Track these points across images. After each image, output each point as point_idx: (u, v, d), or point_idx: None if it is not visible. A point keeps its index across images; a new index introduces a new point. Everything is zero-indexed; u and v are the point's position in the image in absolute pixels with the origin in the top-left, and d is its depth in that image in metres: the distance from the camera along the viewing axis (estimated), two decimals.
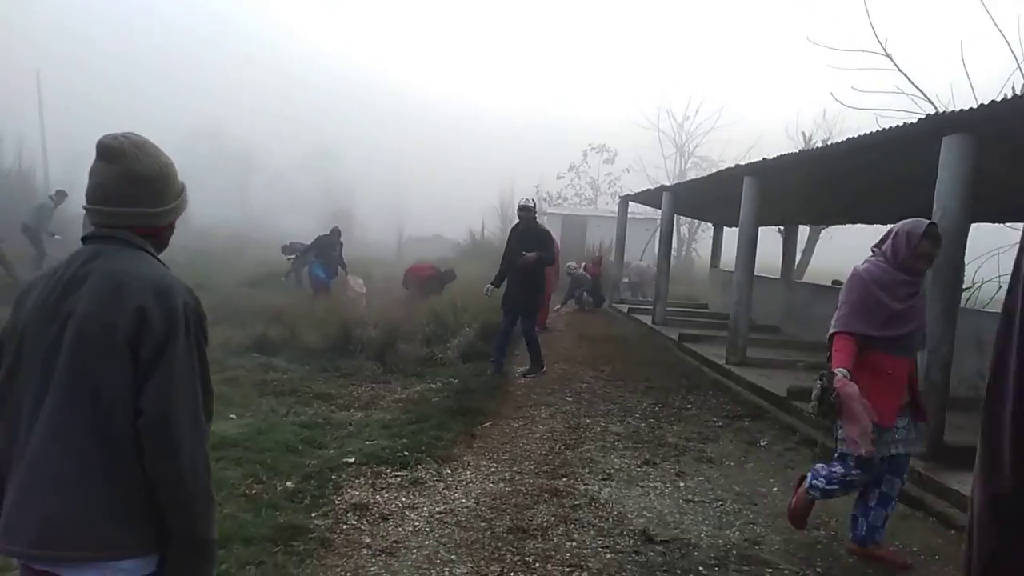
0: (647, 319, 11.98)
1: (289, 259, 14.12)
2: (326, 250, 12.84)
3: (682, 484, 4.57)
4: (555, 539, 3.63)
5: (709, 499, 4.33)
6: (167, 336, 1.49)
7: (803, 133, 22.35)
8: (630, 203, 15.48)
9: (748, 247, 8.10)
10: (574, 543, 3.60)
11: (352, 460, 4.64)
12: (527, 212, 7.94)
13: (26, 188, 22.67)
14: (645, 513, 4.05)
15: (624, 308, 13.69)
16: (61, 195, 14.60)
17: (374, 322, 9.50)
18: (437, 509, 3.96)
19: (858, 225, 10.61)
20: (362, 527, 3.68)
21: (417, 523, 3.77)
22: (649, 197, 13.32)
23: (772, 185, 8.19)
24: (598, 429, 5.75)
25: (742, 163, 8.59)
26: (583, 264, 14.48)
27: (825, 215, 10.41)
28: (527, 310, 7.89)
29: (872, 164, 6.63)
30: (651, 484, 4.54)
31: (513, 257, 7.84)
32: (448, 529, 3.71)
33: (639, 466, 4.87)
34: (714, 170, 13.25)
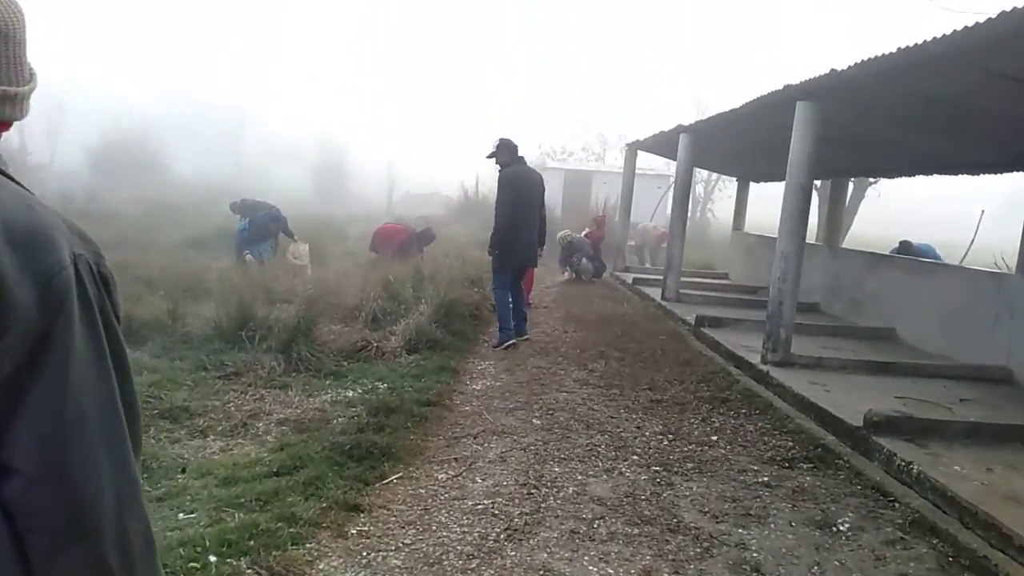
0: (656, 292, 9.76)
1: (240, 220, 11.88)
2: (263, 233, 10.62)
3: None
4: None
5: None
6: (47, 321, 0.83)
7: None
8: (639, 154, 13.10)
9: (798, 201, 5.81)
10: None
11: None
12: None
13: None
14: None
15: (628, 278, 11.45)
16: None
17: (290, 298, 7.38)
18: None
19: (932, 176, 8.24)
20: None
21: None
22: (662, 143, 10.96)
23: (839, 115, 5.89)
24: (571, 490, 3.57)
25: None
26: (584, 230, 12.21)
27: (921, 160, 8.02)
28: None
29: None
30: None
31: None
32: None
33: None
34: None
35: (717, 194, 27.60)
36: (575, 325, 7.79)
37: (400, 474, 3.64)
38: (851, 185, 13.19)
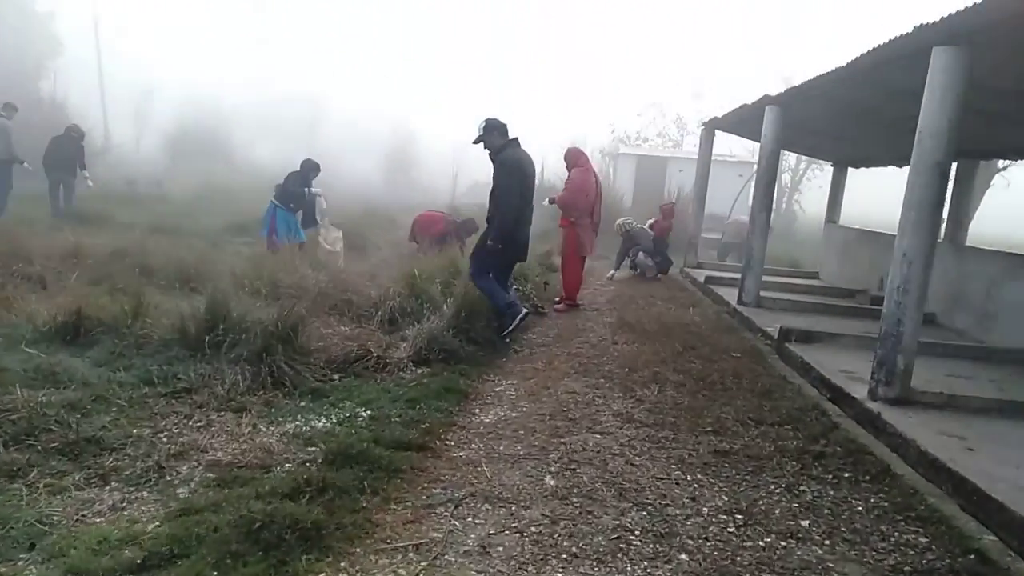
0: (731, 295, 8.25)
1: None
2: (292, 195, 9.40)
3: None
4: None
5: None
6: None
7: None
8: (718, 138, 11.47)
9: (930, 185, 4.25)
10: None
11: None
12: None
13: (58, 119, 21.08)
14: None
15: (700, 276, 9.93)
16: (10, 108, 11.96)
17: (298, 291, 6.37)
18: None
19: None
20: None
21: None
22: (744, 120, 9.36)
23: (990, 68, 4.31)
24: None
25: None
26: (650, 220, 10.73)
27: None
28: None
29: None
30: None
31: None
32: None
33: None
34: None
35: (805, 184, 25.33)
36: (628, 334, 6.42)
37: None
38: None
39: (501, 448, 3.75)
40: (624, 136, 28.56)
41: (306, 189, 9.39)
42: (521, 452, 3.69)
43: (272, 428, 3.93)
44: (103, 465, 3.29)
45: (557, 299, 7.84)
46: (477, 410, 4.39)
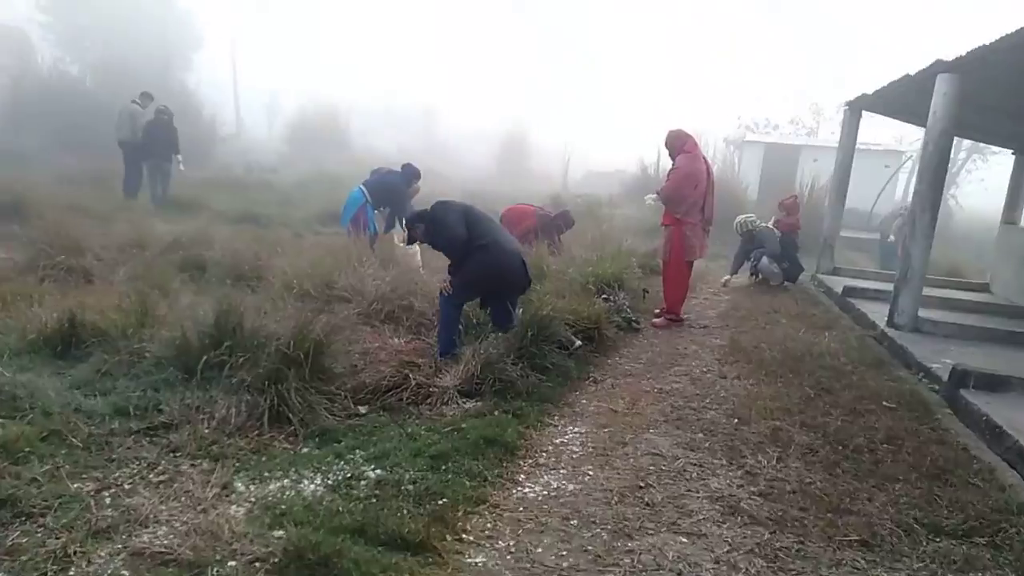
0: (879, 312, 6.62)
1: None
2: (392, 201, 8.37)
3: None
4: None
5: None
6: None
7: None
8: (864, 117, 9.60)
9: None
10: None
11: None
12: None
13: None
14: None
15: (837, 286, 8.24)
16: (146, 98, 12.05)
17: (352, 295, 5.54)
18: None
19: None
20: None
21: None
22: (902, 97, 7.56)
23: None
24: None
25: None
26: (772, 218, 9.09)
27: None
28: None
29: None
30: None
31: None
32: None
33: None
34: None
35: (963, 176, 22.14)
36: (741, 366, 5.06)
37: None
38: None
39: (538, 551, 2.61)
40: (751, 124, 26.23)
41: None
42: (565, 565, 2.54)
43: (248, 489, 3.01)
44: (2, 543, 2.47)
45: (657, 311, 6.55)
46: (522, 476, 3.27)
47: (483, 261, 4.78)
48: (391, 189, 8.09)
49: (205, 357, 3.83)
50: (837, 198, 9.37)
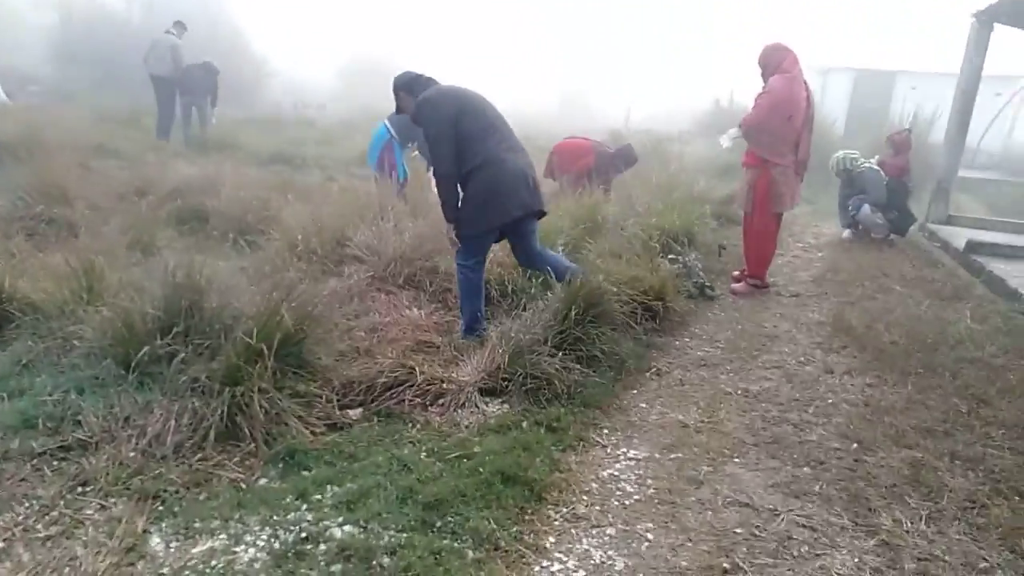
0: (1021, 278, 5.27)
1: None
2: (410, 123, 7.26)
3: None
4: None
5: None
6: None
7: None
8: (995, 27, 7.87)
9: None
10: None
11: None
12: None
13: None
14: None
15: (957, 239, 6.80)
16: (180, 26, 11.21)
17: (367, 255, 4.63)
18: None
19: None
20: None
21: None
22: None
23: None
24: None
25: None
26: (874, 159, 7.55)
27: None
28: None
29: None
30: None
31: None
32: None
33: None
34: None
35: None
36: (851, 354, 3.89)
37: None
38: None
39: None
40: (834, 49, 23.67)
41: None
42: None
43: (167, 550, 2.14)
44: None
45: (736, 273, 5.39)
46: (551, 540, 2.28)
47: (475, 189, 3.66)
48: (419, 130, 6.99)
49: (147, 348, 2.94)
50: (957, 132, 7.78)
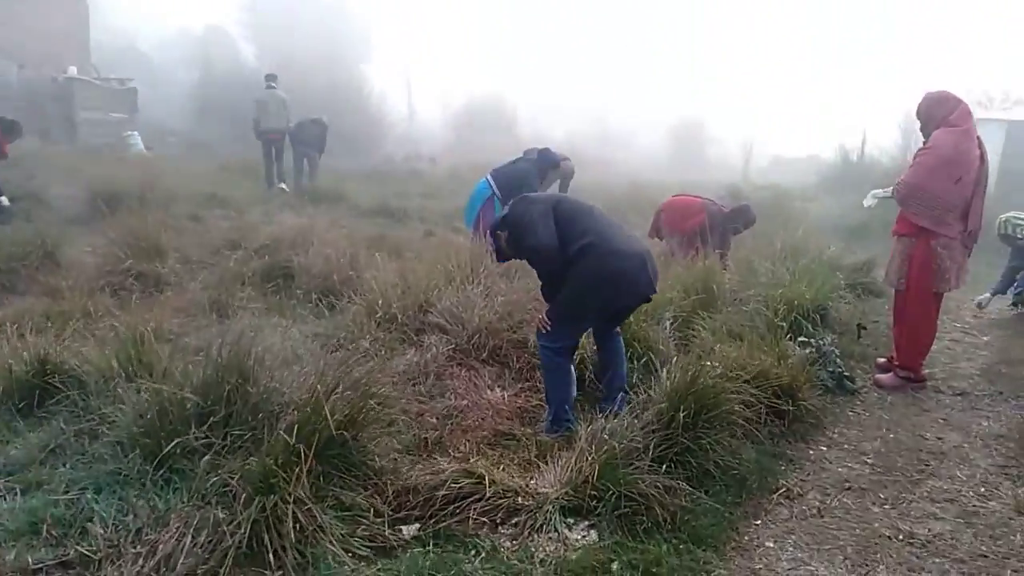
0: None
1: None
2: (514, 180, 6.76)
3: None
4: None
5: None
6: None
7: None
8: None
9: None
10: None
11: None
12: None
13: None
14: None
15: None
16: (271, 78, 11.63)
17: (420, 324, 4.19)
18: None
19: None
20: None
21: None
22: None
23: None
24: None
25: None
26: None
27: None
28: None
29: None
30: None
31: None
32: None
33: None
34: None
35: None
36: None
37: None
38: None
39: None
40: (984, 98, 21.66)
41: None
42: None
43: None
44: None
45: (882, 360, 4.51)
46: None
47: (588, 269, 3.19)
48: (522, 179, 6.53)
49: (177, 440, 2.55)
50: None
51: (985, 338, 5.40)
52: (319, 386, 2.67)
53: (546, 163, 6.64)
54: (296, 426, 2.52)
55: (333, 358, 3.36)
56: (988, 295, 6.20)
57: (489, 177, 6.72)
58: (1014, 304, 6.23)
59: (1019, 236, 6.16)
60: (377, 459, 2.77)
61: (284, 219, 8.50)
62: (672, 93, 32.49)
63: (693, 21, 43.95)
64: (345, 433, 2.65)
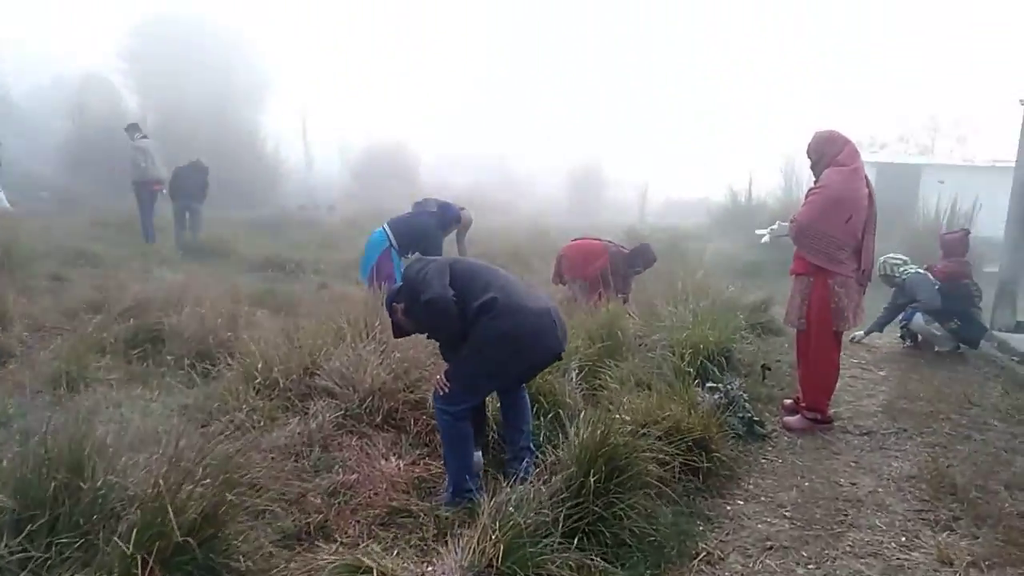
0: None
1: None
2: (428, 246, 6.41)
3: None
4: None
5: None
6: None
7: None
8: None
9: None
10: None
11: None
12: None
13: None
14: None
15: None
16: (133, 128, 10.89)
17: (307, 389, 3.78)
18: None
19: None
20: None
21: None
22: None
23: None
24: None
25: None
26: (928, 265, 6.64)
27: None
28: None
29: None
30: None
31: None
32: None
33: None
34: None
35: None
36: (969, 530, 2.89)
37: None
38: None
39: None
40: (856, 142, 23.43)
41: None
42: None
43: None
44: None
45: (788, 402, 4.45)
46: None
47: (491, 327, 2.91)
48: (421, 232, 6.25)
49: None
50: (1019, 227, 6.96)
51: (881, 372, 5.50)
52: (171, 476, 2.23)
53: (449, 217, 6.41)
54: (135, 530, 2.08)
55: (197, 435, 2.90)
56: (862, 332, 6.41)
57: (386, 226, 6.40)
58: (902, 338, 6.45)
59: (897, 275, 6.39)
60: (242, 559, 2.34)
61: (161, 276, 7.82)
62: (570, 137, 33.46)
63: (590, 66, 45.78)
64: (202, 532, 2.22)
